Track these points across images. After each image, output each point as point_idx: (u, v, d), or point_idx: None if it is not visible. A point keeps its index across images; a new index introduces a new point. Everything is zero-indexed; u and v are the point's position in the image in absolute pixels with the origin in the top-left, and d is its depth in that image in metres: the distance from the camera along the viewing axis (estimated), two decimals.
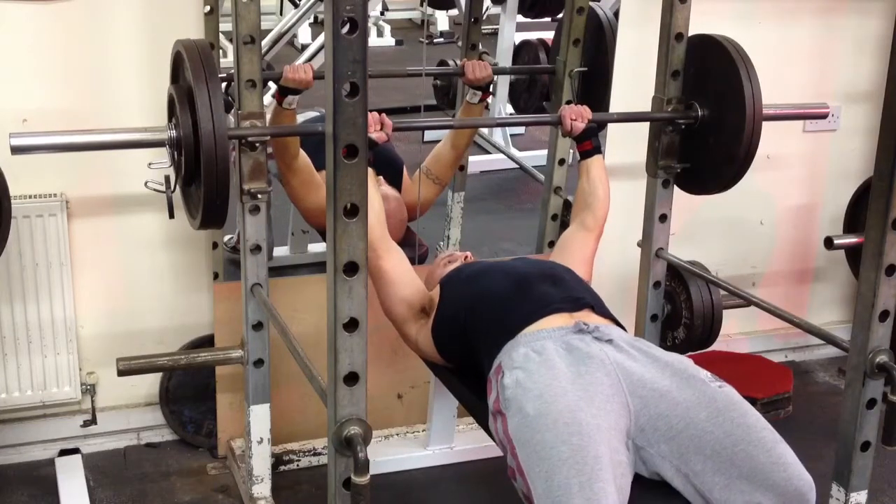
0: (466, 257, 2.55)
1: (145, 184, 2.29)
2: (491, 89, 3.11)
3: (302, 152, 2.80)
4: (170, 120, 2.22)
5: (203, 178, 2.11)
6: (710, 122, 2.60)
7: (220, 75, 2.20)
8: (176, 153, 2.20)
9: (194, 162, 2.14)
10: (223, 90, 2.75)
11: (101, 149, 2.32)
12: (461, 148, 3.15)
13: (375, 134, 2.32)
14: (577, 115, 2.54)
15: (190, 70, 2.11)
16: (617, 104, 3.20)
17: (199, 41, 2.23)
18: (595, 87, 3.09)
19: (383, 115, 2.35)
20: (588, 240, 2.51)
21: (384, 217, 2.35)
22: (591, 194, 2.54)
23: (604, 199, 2.54)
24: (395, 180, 3.09)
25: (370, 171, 2.20)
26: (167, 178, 2.24)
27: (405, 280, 2.37)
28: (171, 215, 2.28)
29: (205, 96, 2.09)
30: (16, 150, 2.15)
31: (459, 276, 2.35)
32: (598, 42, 3.15)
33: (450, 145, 3.13)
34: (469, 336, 2.20)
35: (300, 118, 3.19)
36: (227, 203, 2.17)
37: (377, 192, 2.32)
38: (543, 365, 1.97)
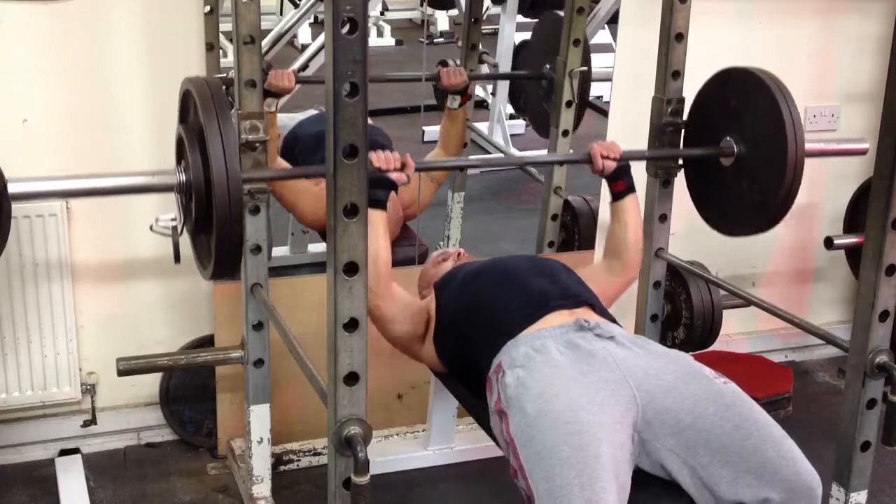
0: (459, 254, 2.54)
1: (150, 227, 2.18)
2: (470, 92, 3.15)
3: (282, 161, 2.80)
4: (179, 162, 2.04)
5: (215, 227, 1.92)
6: (746, 161, 2.45)
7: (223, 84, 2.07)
8: (185, 198, 2.02)
9: (206, 209, 1.96)
10: (224, 91, 2.77)
11: (105, 195, 2.19)
12: (454, 152, 3.18)
13: (395, 174, 2.20)
14: (608, 152, 2.39)
15: (201, 109, 1.93)
16: (617, 104, 3.20)
17: (209, 79, 2.07)
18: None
19: (407, 155, 2.24)
20: (615, 285, 2.43)
21: (389, 262, 2.26)
22: (622, 240, 2.42)
23: (634, 245, 2.43)
24: None
25: (381, 214, 2.19)
26: (174, 229, 2.11)
27: (404, 316, 2.32)
28: (178, 260, 2.16)
29: (217, 138, 1.90)
30: (15, 197, 1.97)
31: (454, 280, 2.34)
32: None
33: (442, 150, 3.17)
34: (468, 340, 2.20)
35: (300, 116, 3.21)
36: (241, 253, 2.02)
37: (387, 238, 2.23)
38: (545, 363, 1.97)
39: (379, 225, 2.19)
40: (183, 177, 2.00)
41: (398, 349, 2.39)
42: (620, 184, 2.44)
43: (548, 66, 3.30)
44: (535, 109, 3.57)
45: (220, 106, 1.93)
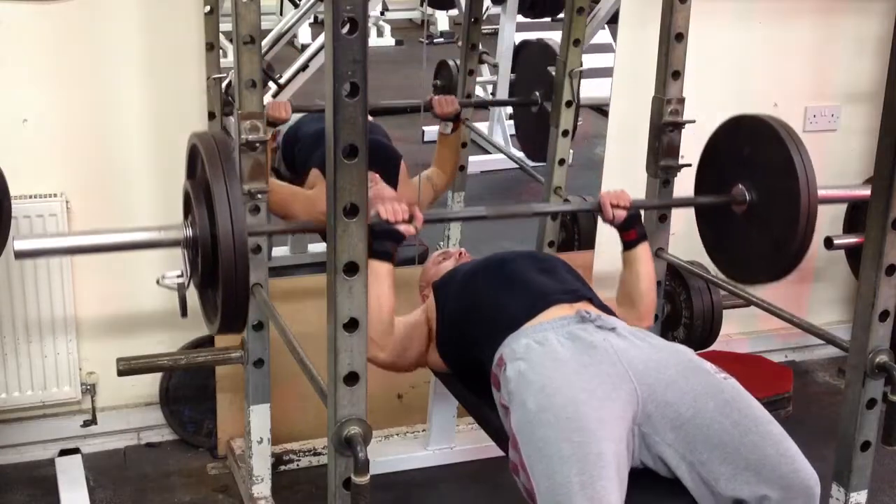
0: (460, 254, 2.54)
1: (157, 281, 2.17)
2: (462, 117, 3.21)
3: (273, 182, 2.80)
4: (186, 217, 2.04)
5: (221, 283, 1.92)
6: (759, 209, 2.42)
7: (223, 76, 2.09)
8: (192, 253, 2.03)
9: (212, 265, 1.95)
10: (223, 92, 2.77)
11: (110, 251, 2.15)
12: (449, 173, 3.26)
13: (403, 226, 2.17)
14: (618, 201, 2.36)
15: (207, 165, 1.93)
16: (617, 104, 3.20)
17: (216, 134, 2.06)
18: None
19: (414, 206, 2.21)
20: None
21: (394, 314, 2.22)
22: (635, 290, 2.38)
23: (648, 295, 2.39)
24: (391, 174, 3.10)
25: (388, 267, 2.17)
26: (180, 285, 2.09)
27: (404, 349, 2.29)
28: (184, 314, 2.15)
29: (223, 195, 1.88)
30: (20, 254, 1.96)
31: (454, 279, 2.33)
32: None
33: (438, 168, 3.22)
34: (470, 337, 2.20)
35: (301, 114, 3.22)
36: (247, 308, 2.00)
37: (392, 290, 2.20)
38: (546, 355, 1.96)
39: (386, 278, 2.17)
40: (190, 232, 2.00)
41: (411, 371, 2.39)
42: (632, 232, 2.39)
43: (537, 93, 3.38)
44: (526, 136, 3.57)
45: (227, 162, 1.93)
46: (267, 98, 2.86)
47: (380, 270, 2.15)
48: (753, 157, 2.43)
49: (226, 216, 1.88)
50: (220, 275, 1.91)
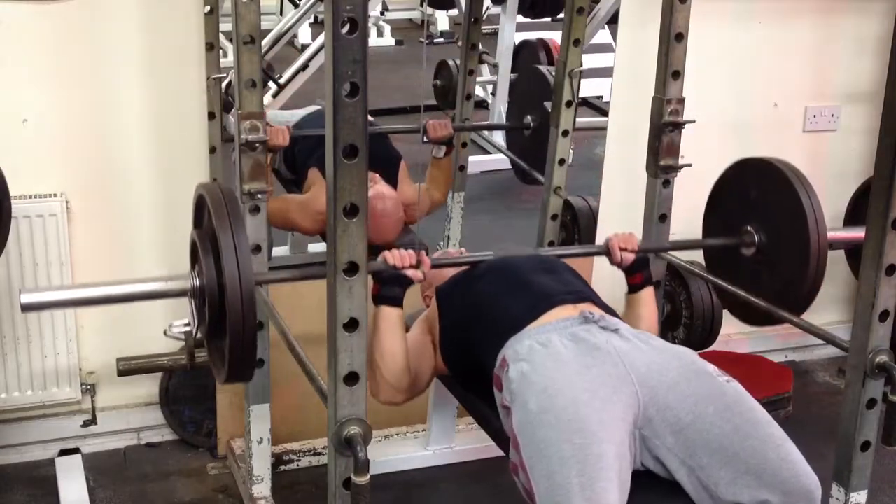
0: (461, 254, 2.54)
1: (164, 332, 2.17)
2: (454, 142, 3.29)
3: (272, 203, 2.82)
4: (193, 267, 2.06)
5: (228, 334, 1.93)
6: (768, 251, 2.41)
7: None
8: (199, 302, 2.04)
9: (219, 316, 1.97)
10: (223, 92, 2.78)
11: (117, 302, 2.17)
12: (443, 193, 3.32)
13: (410, 272, 2.15)
14: (626, 244, 2.35)
15: (214, 216, 1.95)
16: (617, 104, 3.20)
17: (222, 185, 2.07)
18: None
19: (422, 252, 2.19)
20: None
21: (407, 360, 2.19)
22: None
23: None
24: (391, 174, 3.10)
25: (399, 312, 2.16)
26: (188, 334, 2.10)
27: (418, 380, 2.26)
28: (193, 366, 2.14)
29: (230, 246, 1.91)
30: (26, 308, 1.98)
31: (456, 285, 2.32)
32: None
33: (431, 186, 3.27)
34: (472, 339, 2.19)
35: (302, 112, 3.24)
36: (255, 358, 2.02)
37: (404, 335, 2.19)
38: (548, 357, 1.96)
39: (398, 324, 2.16)
40: (197, 282, 2.01)
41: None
42: (638, 276, 2.38)
43: (529, 117, 3.44)
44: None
45: (233, 212, 1.95)
46: (267, 98, 2.86)
47: (391, 317, 2.14)
48: (761, 200, 2.42)
49: (233, 266, 1.89)
50: (228, 325, 1.91)
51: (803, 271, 2.31)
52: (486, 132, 4.27)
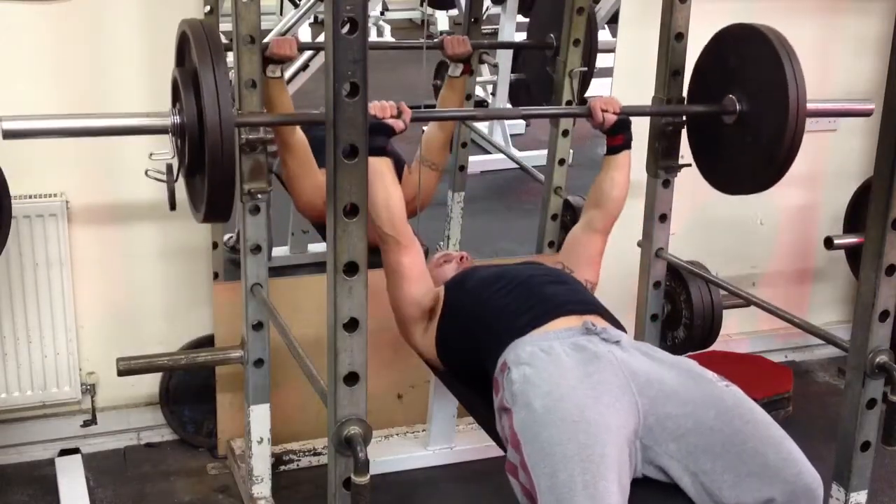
0: (462, 258, 2.54)
1: (146, 172, 2.18)
2: (472, 64, 3.13)
3: (298, 130, 2.76)
4: (173, 105, 2.08)
5: (208, 168, 1.96)
6: (748, 118, 2.45)
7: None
8: (179, 141, 2.05)
9: (198, 151, 1.98)
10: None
11: (98, 134, 2.18)
12: (448, 128, 3.11)
13: (391, 121, 2.21)
14: (608, 106, 2.42)
15: (196, 52, 1.96)
16: None
17: (206, 21, 2.09)
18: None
19: (402, 103, 2.23)
20: (595, 240, 2.49)
21: (404, 209, 2.27)
22: (607, 195, 2.47)
23: (618, 202, 2.48)
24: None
25: (386, 160, 2.22)
26: (169, 167, 2.09)
27: (422, 279, 2.33)
28: (173, 207, 2.13)
29: (211, 81, 1.92)
30: (8, 134, 1.99)
31: (465, 286, 2.33)
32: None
33: (437, 127, 3.09)
34: (475, 340, 2.19)
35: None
36: (233, 195, 2.06)
37: (394, 177, 2.25)
38: (551, 363, 1.97)
39: (385, 171, 2.21)
40: (177, 119, 2.03)
41: (399, 320, 2.38)
42: (619, 138, 2.46)
43: (552, 34, 3.28)
44: (536, 76, 3.52)
45: (215, 48, 1.96)
46: None
47: (379, 166, 2.18)
48: (744, 67, 2.46)
49: (212, 99, 1.92)
50: (206, 156, 1.94)
51: (781, 137, 2.34)
52: (486, 133, 4.27)
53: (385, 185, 2.22)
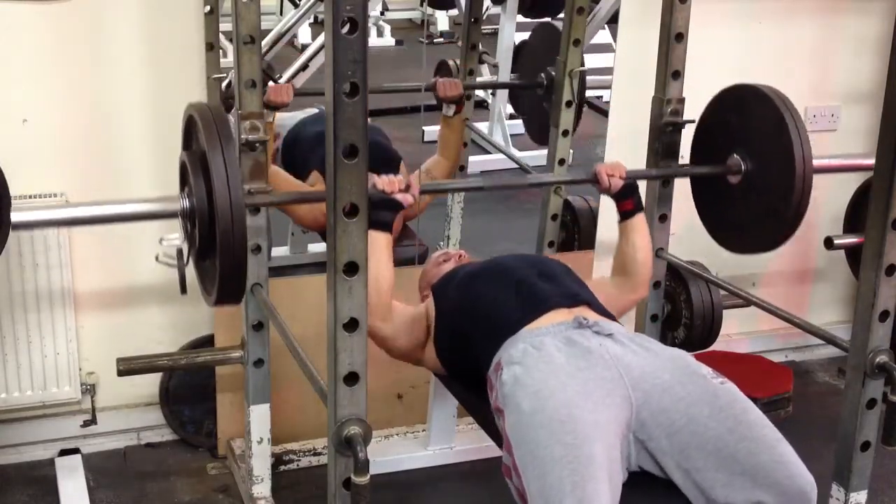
0: (460, 256, 2.54)
1: (156, 258, 2.16)
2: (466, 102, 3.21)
3: (274, 169, 2.79)
4: (182, 189, 2.05)
5: (219, 252, 1.93)
6: (754, 177, 2.44)
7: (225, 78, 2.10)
8: (189, 225, 2.03)
9: (209, 235, 1.96)
10: (223, 92, 2.77)
11: (108, 222, 2.20)
12: (452, 159, 3.20)
13: (399, 196, 2.19)
14: (614, 171, 2.38)
15: (203, 136, 1.95)
16: (617, 104, 3.20)
17: (212, 105, 2.07)
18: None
19: (412, 176, 2.21)
20: (623, 301, 2.40)
21: (392, 285, 2.23)
22: (631, 260, 2.39)
23: (646, 264, 2.41)
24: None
25: (387, 237, 2.19)
26: (179, 251, 2.07)
27: (404, 330, 2.30)
28: (184, 290, 2.11)
29: (220, 165, 1.91)
30: (17, 226, 2.00)
31: (452, 282, 2.33)
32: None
33: (442, 157, 3.19)
34: (468, 340, 2.20)
35: (300, 115, 3.22)
36: (245, 278, 2.02)
37: (390, 261, 2.21)
38: (542, 360, 1.97)
39: (383, 248, 2.18)
40: (186, 203, 2.00)
41: (402, 361, 2.39)
42: (628, 202, 2.41)
43: (542, 74, 3.34)
44: (535, 110, 3.56)
45: (223, 132, 1.94)
46: None
47: (379, 241, 2.15)
48: (747, 127, 2.45)
49: (222, 184, 1.89)
50: (218, 242, 1.91)
51: (789, 196, 2.33)
52: (485, 132, 4.27)
53: (381, 262, 2.17)
